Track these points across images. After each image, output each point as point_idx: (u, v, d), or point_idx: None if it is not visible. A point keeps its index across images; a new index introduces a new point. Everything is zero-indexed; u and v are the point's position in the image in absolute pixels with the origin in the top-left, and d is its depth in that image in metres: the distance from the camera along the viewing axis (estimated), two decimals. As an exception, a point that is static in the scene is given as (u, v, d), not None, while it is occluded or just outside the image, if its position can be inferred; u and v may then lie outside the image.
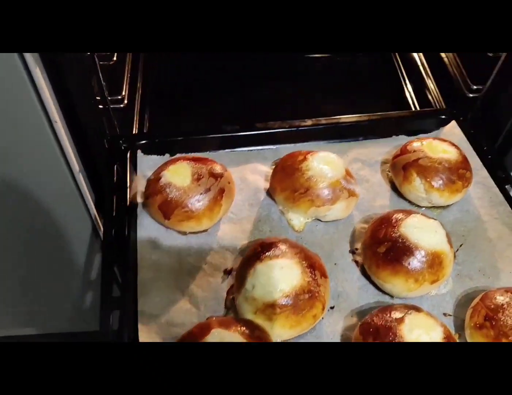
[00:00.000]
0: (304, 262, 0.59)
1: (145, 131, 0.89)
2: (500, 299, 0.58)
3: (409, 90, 1.01)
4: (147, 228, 0.68)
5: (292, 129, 0.81)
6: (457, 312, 0.62)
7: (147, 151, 0.76)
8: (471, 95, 0.90)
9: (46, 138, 0.61)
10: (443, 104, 0.94)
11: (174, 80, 1.02)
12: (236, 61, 1.03)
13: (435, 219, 0.65)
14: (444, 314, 0.62)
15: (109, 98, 0.75)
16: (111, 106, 0.76)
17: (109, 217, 0.67)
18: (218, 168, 0.69)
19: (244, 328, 0.53)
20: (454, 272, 0.66)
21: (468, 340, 0.58)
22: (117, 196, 0.69)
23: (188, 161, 0.69)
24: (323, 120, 0.83)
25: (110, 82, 0.77)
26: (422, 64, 1.04)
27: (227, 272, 0.64)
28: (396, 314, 0.56)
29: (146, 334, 0.57)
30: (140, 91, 0.96)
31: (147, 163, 0.75)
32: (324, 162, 0.70)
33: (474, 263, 0.67)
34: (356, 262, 0.67)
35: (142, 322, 0.58)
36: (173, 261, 0.65)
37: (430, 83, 0.99)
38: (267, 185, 0.74)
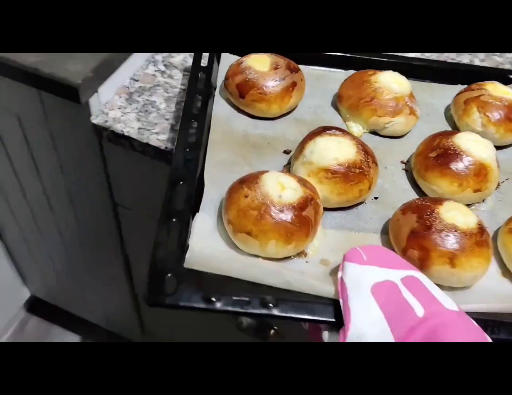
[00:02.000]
0: (360, 146, 0.64)
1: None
2: (538, 210, 0.61)
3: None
4: (222, 106, 0.76)
5: (368, 57, 0.86)
6: (492, 226, 0.65)
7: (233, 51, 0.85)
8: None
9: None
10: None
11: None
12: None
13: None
14: (480, 225, 0.66)
15: None
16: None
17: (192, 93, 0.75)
18: (294, 65, 0.76)
19: (299, 178, 0.60)
20: (496, 197, 0.70)
21: (500, 247, 0.61)
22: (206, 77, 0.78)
23: (269, 54, 0.76)
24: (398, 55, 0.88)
25: None
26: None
27: (287, 152, 0.71)
28: (436, 199, 0.60)
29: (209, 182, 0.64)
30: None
31: (231, 61, 0.82)
32: (392, 79, 0.75)
33: (517, 195, 0.71)
34: (406, 170, 0.72)
35: (208, 168, 0.65)
36: (239, 134, 0.72)
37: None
38: (335, 99, 0.80)
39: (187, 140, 0.67)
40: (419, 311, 0.49)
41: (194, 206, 0.60)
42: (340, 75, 0.84)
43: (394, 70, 0.85)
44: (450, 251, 0.55)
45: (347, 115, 0.77)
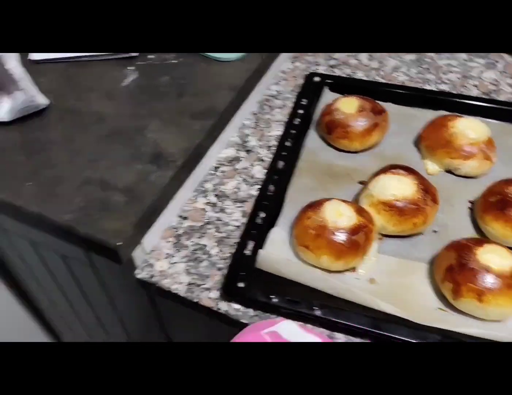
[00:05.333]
0: (420, 185, 0.74)
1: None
2: None
3: None
4: (314, 139, 0.90)
5: (458, 99, 0.93)
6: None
7: (333, 89, 0.98)
8: None
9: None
10: None
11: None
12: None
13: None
14: (534, 269, 0.70)
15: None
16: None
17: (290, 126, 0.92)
18: (379, 108, 0.87)
19: (358, 207, 0.72)
20: (560, 245, 0.73)
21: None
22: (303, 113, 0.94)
23: (359, 97, 0.88)
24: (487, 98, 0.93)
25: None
26: None
27: (362, 183, 0.82)
28: (479, 241, 0.67)
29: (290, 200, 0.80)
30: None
31: (330, 97, 0.96)
32: (470, 125, 0.82)
33: None
34: (471, 209, 0.78)
35: (290, 192, 0.81)
36: (324, 164, 0.86)
37: None
38: (417, 138, 0.89)
39: (277, 168, 0.84)
40: None
41: (272, 223, 0.76)
42: (429, 114, 0.92)
43: (483, 113, 0.91)
44: (479, 288, 0.62)
45: (425, 154, 0.86)
